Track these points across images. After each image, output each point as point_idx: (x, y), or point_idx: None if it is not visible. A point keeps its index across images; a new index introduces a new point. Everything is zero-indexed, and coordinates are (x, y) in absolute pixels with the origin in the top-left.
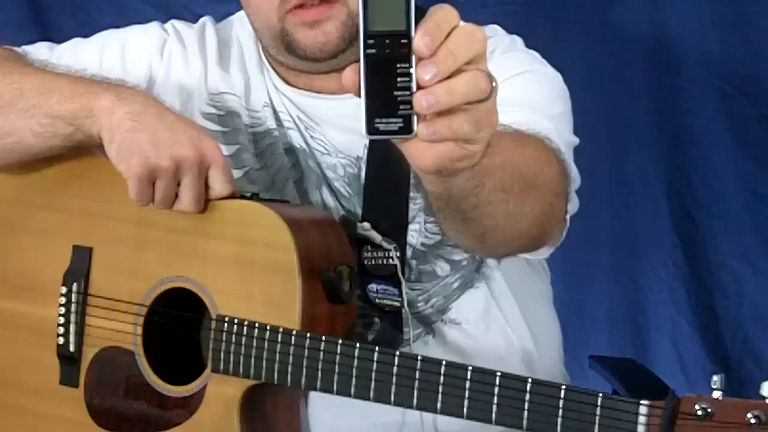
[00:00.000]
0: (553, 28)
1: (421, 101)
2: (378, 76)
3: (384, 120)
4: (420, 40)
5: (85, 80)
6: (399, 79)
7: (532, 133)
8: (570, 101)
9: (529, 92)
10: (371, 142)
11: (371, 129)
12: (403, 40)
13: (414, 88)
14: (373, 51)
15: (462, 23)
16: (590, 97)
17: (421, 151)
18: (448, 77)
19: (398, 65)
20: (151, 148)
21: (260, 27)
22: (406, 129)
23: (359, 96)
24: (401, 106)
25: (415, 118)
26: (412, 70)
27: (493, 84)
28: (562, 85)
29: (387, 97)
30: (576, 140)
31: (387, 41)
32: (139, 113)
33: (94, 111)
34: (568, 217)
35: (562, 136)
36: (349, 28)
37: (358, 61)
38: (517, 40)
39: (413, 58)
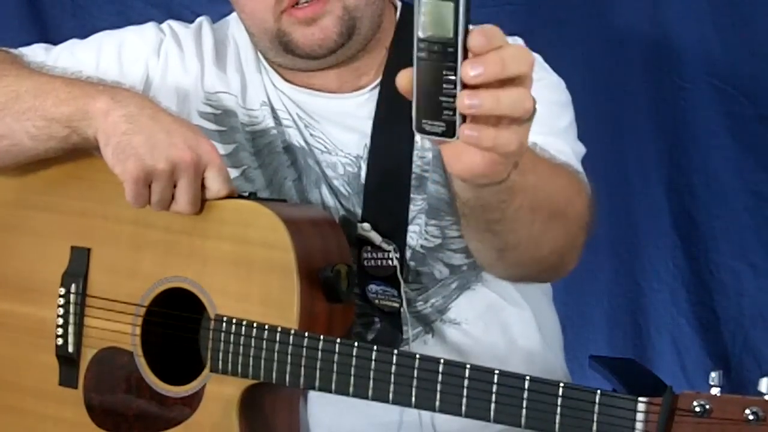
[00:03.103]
0: (553, 28)
1: (464, 100)
2: (427, 80)
3: (430, 122)
4: (474, 38)
5: (80, 82)
6: (445, 86)
7: (566, 163)
8: (572, 108)
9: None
10: (372, 141)
11: (419, 128)
12: (450, 49)
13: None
14: (424, 55)
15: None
16: (590, 97)
17: (456, 157)
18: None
19: (445, 72)
20: (146, 151)
21: (256, 31)
22: (449, 133)
23: (410, 98)
24: (445, 112)
25: (458, 123)
26: (457, 79)
27: (535, 107)
28: (566, 91)
29: (433, 101)
30: (583, 150)
31: (435, 48)
32: (135, 115)
33: (89, 113)
34: None
35: (573, 149)
36: (346, 22)
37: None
38: (519, 42)
39: (459, 67)
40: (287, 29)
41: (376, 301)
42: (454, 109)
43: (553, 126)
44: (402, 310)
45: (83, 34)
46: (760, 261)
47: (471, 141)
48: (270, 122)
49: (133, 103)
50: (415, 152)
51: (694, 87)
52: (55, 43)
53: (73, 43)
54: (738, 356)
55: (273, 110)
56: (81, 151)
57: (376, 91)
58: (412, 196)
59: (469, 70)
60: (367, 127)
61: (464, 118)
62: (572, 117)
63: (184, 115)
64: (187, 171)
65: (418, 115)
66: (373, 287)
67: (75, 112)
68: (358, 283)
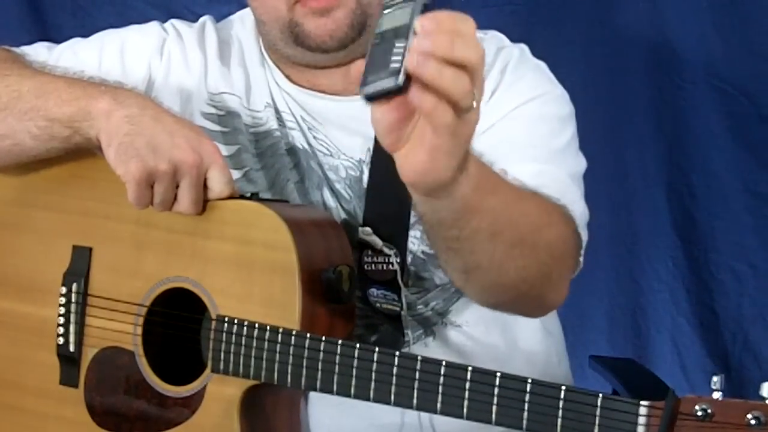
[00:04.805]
0: (553, 28)
1: (413, 57)
2: (379, 53)
3: (375, 76)
4: (425, 19)
5: (83, 82)
6: (395, 49)
7: (542, 192)
8: (575, 119)
9: (537, 124)
10: (375, 145)
11: (364, 83)
12: (405, 30)
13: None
14: (378, 42)
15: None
16: (590, 97)
17: (404, 158)
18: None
19: (396, 43)
20: (149, 152)
21: (267, 20)
22: (392, 81)
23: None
24: (392, 64)
25: (403, 73)
26: (408, 44)
27: (474, 104)
28: (569, 104)
29: (382, 62)
30: (583, 166)
31: (392, 33)
32: (137, 116)
33: (91, 114)
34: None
35: (570, 168)
36: (358, 16)
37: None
38: (525, 50)
39: (411, 36)
40: (300, 19)
41: (377, 305)
42: (401, 60)
43: (551, 146)
44: (402, 313)
45: (83, 34)
46: (760, 261)
47: (416, 98)
48: (274, 124)
49: (135, 103)
50: None
51: (694, 87)
52: (55, 43)
53: (75, 42)
54: (738, 356)
55: (277, 112)
56: (83, 151)
57: None
58: (413, 201)
59: (418, 44)
60: (371, 131)
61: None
62: (573, 130)
63: (187, 116)
64: (190, 172)
65: (365, 76)
66: (373, 291)
67: (77, 113)
68: (359, 286)
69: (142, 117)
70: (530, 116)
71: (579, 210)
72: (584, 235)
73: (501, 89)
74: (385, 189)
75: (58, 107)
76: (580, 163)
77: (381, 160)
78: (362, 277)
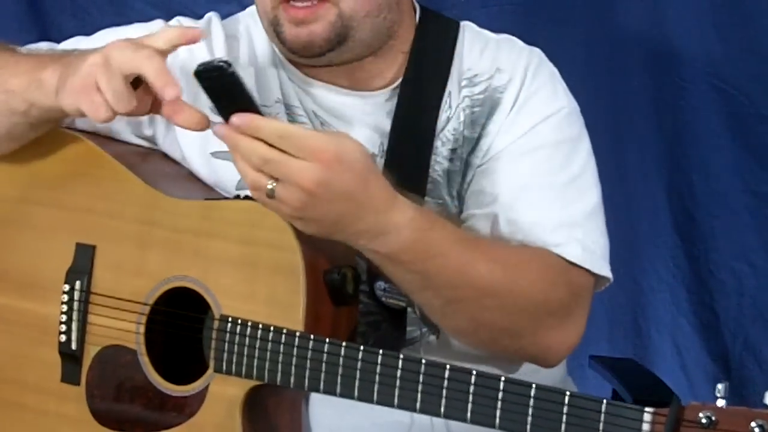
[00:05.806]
0: (553, 28)
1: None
2: None
3: None
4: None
5: (37, 55)
6: None
7: (532, 244)
8: (586, 134)
9: (545, 158)
10: (390, 142)
11: None
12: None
13: None
14: None
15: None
16: (590, 97)
17: None
18: None
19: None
20: (82, 69)
21: (259, 9)
22: None
23: None
24: None
25: None
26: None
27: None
28: (579, 119)
29: None
30: (596, 195)
31: None
32: (73, 62)
33: (42, 82)
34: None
35: (576, 204)
36: (338, 29)
37: (350, 62)
38: (542, 55)
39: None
40: (281, 21)
41: (383, 299)
42: None
43: (557, 182)
44: (408, 309)
45: (83, 34)
46: (760, 261)
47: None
48: (284, 119)
49: (80, 59)
50: (434, 157)
51: (694, 87)
52: (55, 43)
53: (77, 40)
54: (738, 356)
55: (288, 107)
56: (87, 148)
57: (395, 93)
58: (426, 198)
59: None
60: (385, 125)
61: None
62: (587, 149)
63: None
64: (98, 69)
65: None
66: (381, 284)
67: (29, 83)
68: (366, 279)
69: (77, 60)
70: (541, 143)
71: (587, 246)
72: (597, 269)
73: (520, 101)
74: (398, 185)
75: (14, 78)
76: (593, 193)
77: (394, 155)
78: (371, 269)
